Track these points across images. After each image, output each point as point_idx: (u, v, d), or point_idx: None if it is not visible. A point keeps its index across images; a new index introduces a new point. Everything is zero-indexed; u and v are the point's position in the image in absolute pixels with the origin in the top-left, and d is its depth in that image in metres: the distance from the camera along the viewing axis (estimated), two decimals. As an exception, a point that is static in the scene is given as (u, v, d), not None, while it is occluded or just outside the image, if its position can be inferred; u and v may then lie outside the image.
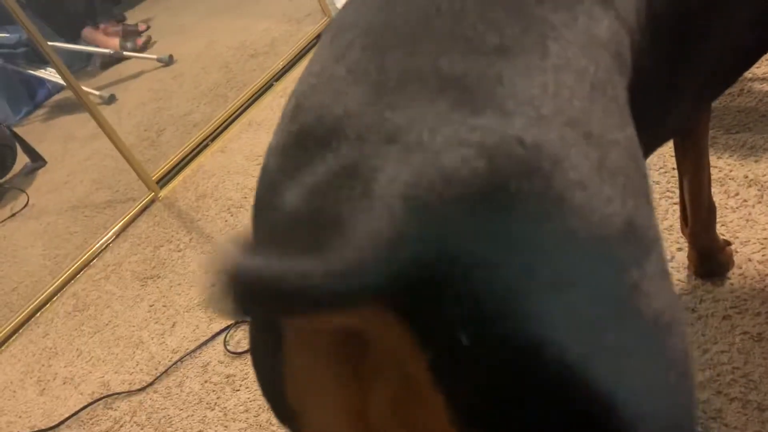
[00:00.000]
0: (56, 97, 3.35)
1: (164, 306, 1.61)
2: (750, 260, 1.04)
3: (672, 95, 0.62)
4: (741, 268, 1.03)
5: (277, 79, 2.38)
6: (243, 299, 0.35)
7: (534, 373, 0.34)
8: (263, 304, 0.36)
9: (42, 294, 1.88)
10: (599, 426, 0.35)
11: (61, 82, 2.14)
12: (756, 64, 1.36)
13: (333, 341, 0.40)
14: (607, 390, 0.35)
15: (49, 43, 2.00)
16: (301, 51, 2.47)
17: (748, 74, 1.35)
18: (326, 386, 0.41)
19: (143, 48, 3.24)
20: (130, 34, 3.46)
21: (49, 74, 3.01)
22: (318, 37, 2.52)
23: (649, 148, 0.67)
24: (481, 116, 0.38)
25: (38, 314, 1.84)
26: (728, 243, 1.07)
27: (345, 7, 0.54)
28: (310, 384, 0.42)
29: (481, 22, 0.43)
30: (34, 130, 3.10)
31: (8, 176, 2.69)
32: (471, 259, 0.34)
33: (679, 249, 1.11)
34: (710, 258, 1.04)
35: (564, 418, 0.35)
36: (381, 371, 0.39)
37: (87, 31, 3.30)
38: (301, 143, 0.43)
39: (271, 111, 2.21)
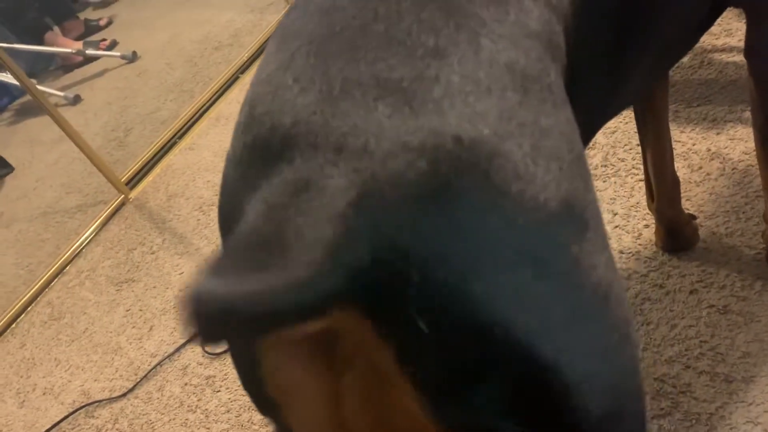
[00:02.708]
0: (20, 101, 3.28)
1: (140, 310, 1.60)
2: (714, 233, 1.05)
3: (623, 68, 0.63)
4: (706, 241, 1.05)
5: (243, 71, 2.36)
6: (209, 326, 0.37)
7: (487, 351, 0.38)
8: (231, 327, 0.38)
9: (17, 304, 1.86)
10: (548, 389, 0.39)
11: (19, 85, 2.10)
12: (716, 36, 1.37)
13: (306, 339, 0.41)
14: (553, 357, 0.39)
15: (2, 44, 1.95)
16: (265, 42, 2.44)
17: (707, 46, 1.36)
18: (303, 380, 0.43)
19: (107, 50, 3.18)
20: (91, 30, 3.40)
21: (8, 78, 2.94)
22: (282, 26, 2.49)
23: (603, 118, 0.70)
24: (420, 118, 0.40)
25: (14, 325, 1.82)
26: (693, 217, 1.08)
27: (288, 13, 0.55)
28: (288, 379, 0.44)
29: (416, 24, 0.45)
30: (-1, 136, 3.04)
31: (-25, 185, 2.64)
32: (421, 254, 0.37)
33: (646, 226, 1.12)
34: (676, 232, 1.05)
35: (517, 387, 0.39)
36: (351, 362, 0.41)
37: (49, 36, 3.23)
38: (257, 155, 0.45)
39: (238, 105, 2.18)
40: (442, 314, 0.38)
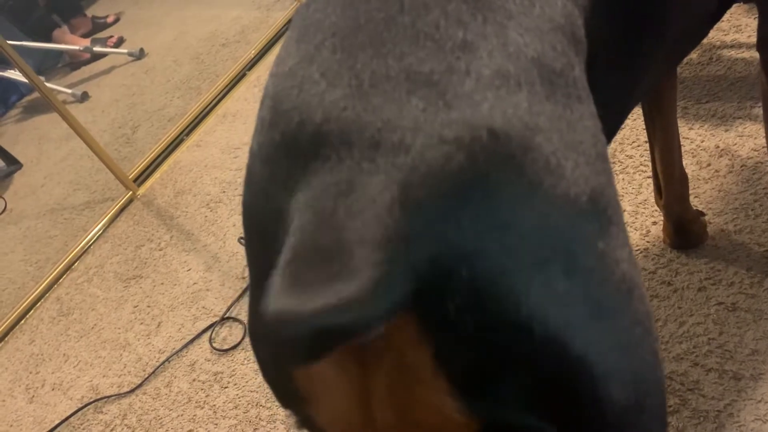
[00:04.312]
0: (28, 98, 3.29)
1: (148, 306, 1.61)
2: (723, 230, 1.05)
3: (638, 61, 0.63)
4: (714, 238, 1.05)
5: (250, 68, 2.36)
6: (293, 346, 0.36)
7: (519, 345, 0.38)
8: (304, 344, 0.36)
9: (26, 300, 1.87)
10: (575, 382, 0.40)
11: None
12: (725, 32, 1.36)
13: None
14: (581, 351, 0.39)
15: (10, 42, 1.95)
16: (272, 38, 2.44)
17: (716, 42, 1.36)
18: (334, 375, 0.43)
19: (114, 47, 3.19)
20: (98, 27, 3.41)
21: (16, 75, 2.95)
22: (289, 23, 2.49)
23: (621, 114, 0.70)
24: (454, 111, 0.40)
25: (23, 321, 1.83)
26: (702, 214, 1.08)
27: (308, 3, 0.53)
28: (317, 374, 0.44)
29: (443, 17, 0.44)
30: (7, 132, 3.05)
31: (-16, 181, 2.66)
32: (465, 248, 0.37)
33: (654, 223, 1.12)
34: (684, 229, 1.05)
35: (544, 380, 0.39)
36: (382, 357, 0.41)
37: (57, 33, 3.24)
38: (286, 152, 0.44)
39: (245, 102, 2.19)
40: (480, 309, 0.38)
